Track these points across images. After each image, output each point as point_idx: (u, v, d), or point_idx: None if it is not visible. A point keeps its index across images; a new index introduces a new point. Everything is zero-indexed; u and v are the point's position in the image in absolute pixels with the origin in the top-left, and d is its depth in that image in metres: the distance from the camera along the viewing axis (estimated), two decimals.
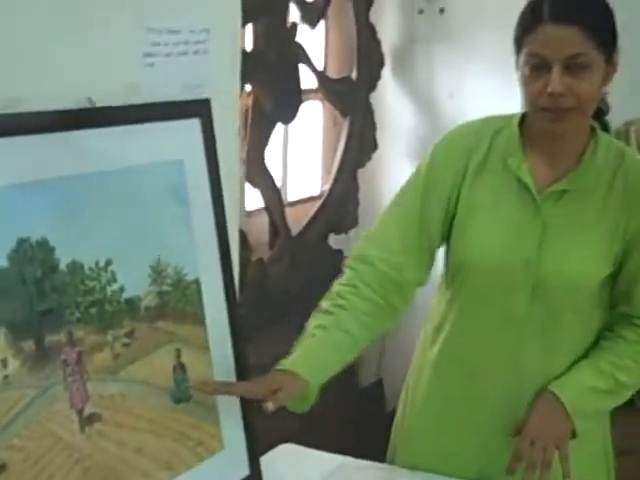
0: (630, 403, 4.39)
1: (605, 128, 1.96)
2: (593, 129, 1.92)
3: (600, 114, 1.95)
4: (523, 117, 1.93)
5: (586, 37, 1.75)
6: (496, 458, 1.95)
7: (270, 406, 1.74)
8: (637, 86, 4.73)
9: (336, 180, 3.47)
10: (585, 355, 1.96)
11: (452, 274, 1.99)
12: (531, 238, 1.89)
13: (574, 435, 1.91)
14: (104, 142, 1.71)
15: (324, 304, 1.93)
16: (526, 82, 1.81)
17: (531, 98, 1.81)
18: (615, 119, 4.81)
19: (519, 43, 1.82)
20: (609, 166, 1.90)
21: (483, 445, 1.99)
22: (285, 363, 1.83)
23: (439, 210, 1.94)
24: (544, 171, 1.90)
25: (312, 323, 1.91)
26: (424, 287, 2.01)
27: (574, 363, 1.95)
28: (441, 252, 2.02)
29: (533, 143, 1.91)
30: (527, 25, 1.79)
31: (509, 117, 1.96)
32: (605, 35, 1.80)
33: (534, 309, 1.90)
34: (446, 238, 1.98)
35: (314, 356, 1.85)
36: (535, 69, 1.78)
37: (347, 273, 1.96)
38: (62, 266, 1.59)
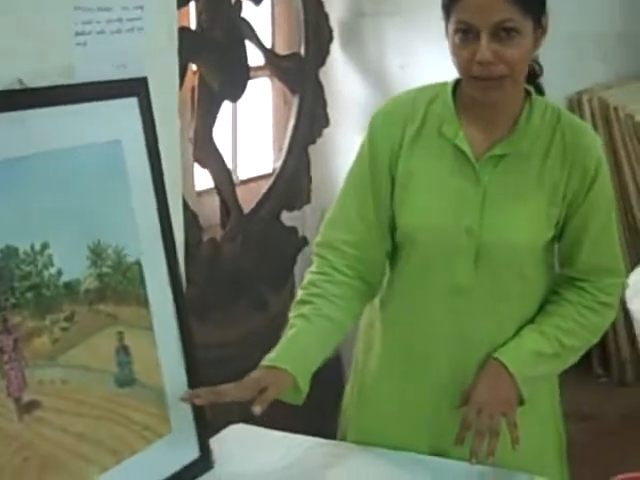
0: (588, 369, 4.41)
1: (540, 91, 1.95)
2: (528, 92, 1.91)
3: (534, 77, 1.94)
4: (457, 84, 1.91)
5: (512, 2, 1.74)
6: (448, 430, 1.94)
7: (257, 409, 1.75)
8: (586, 55, 4.76)
9: (287, 157, 3.44)
10: (532, 319, 1.96)
11: (395, 245, 1.98)
12: (471, 206, 1.88)
13: (522, 402, 1.90)
14: (38, 123, 1.67)
15: (300, 295, 1.95)
16: (455, 50, 1.80)
17: (461, 67, 1.81)
18: (567, 88, 4.84)
19: (447, 11, 1.81)
20: (545, 129, 1.90)
21: (435, 418, 1.98)
22: (270, 358, 1.84)
23: (386, 180, 1.93)
24: (480, 137, 1.89)
25: (291, 314, 1.93)
26: None
27: (521, 328, 1.95)
28: None
29: (468, 110, 1.90)
30: None
31: (443, 84, 1.94)
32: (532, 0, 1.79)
33: (479, 277, 1.90)
34: None
35: (298, 348, 1.86)
36: (464, 37, 1.77)
37: (316, 261, 1.98)
38: None
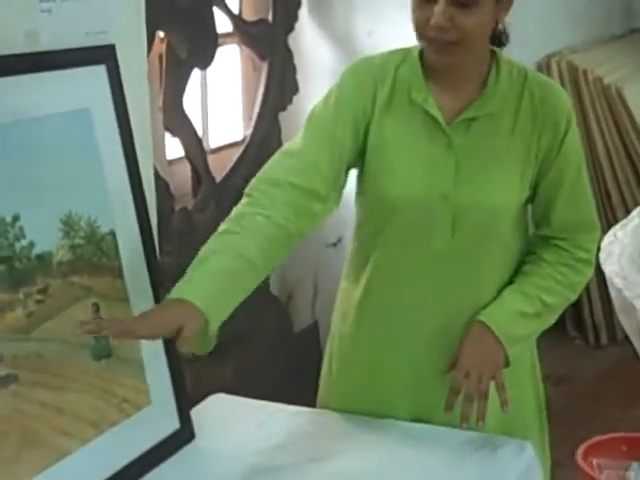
0: (563, 331, 4.45)
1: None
2: (493, 53, 1.90)
3: (499, 44, 1.92)
4: (423, 49, 1.90)
5: None
6: (430, 395, 1.94)
7: (184, 349, 1.62)
8: (555, 19, 4.74)
9: (258, 124, 3.41)
10: (510, 282, 1.96)
11: (369, 211, 1.96)
12: (445, 172, 1.87)
13: (507, 364, 1.90)
14: (5, 93, 1.64)
15: (223, 226, 1.78)
16: (413, 10, 1.80)
17: (417, 27, 1.80)
18: (536, 52, 4.84)
19: None
20: (513, 89, 1.89)
21: (416, 383, 1.98)
22: (181, 291, 1.65)
23: (351, 133, 1.88)
24: (450, 101, 1.88)
25: (208, 245, 1.75)
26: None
27: (500, 291, 1.94)
28: (353, 194, 1.98)
29: (435, 74, 1.88)
30: None
31: (407, 49, 1.93)
32: None
33: (456, 241, 1.89)
34: (359, 177, 1.95)
35: (212, 289, 1.66)
36: None
37: (253, 195, 1.82)
38: None
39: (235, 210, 1.81)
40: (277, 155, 1.90)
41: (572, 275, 1.96)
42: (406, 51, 1.92)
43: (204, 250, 1.74)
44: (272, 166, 1.87)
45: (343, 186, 1.92)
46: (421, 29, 1.79)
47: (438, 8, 1.74)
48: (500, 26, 1.88)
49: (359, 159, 1.92)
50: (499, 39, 1.91)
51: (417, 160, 1.88)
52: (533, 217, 1.98)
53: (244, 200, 1.83)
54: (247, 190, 1.84)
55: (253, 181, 1.86)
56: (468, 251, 1.90)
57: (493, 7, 1.79)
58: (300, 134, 1.90)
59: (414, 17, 1.79)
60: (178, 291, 1.65)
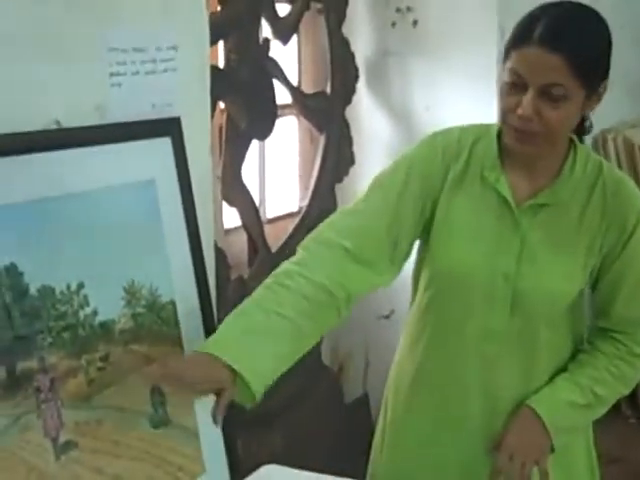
0: (617, 410, 4.36)
1: (580, 141, 1.93)
2: (572, 141, 1.89)
3: (582, 132, 1.90)
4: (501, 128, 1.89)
5: (570, 69, 1.69)
6: (477, 474, 1.93)
7: (219, 419, 1.65)
8: (611, 93, 4.75)
9: (314, 196, 3.44)
10: (561, 370, 1.94)
11: (428, 285, 1.95)
12: (510, 253, 1.87)
13: (552, 450, 1.89)
14: (74, 164, 1.69)
15: (267, 280, 1.77)
16: (502, 95, 1.78)
17: (503, 112, 1.79)
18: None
19: (506, 54, 1.77)
20: (587, 180, 1.88)
21: (464, 461, 1.97)
22: (224, 351, 1.63)
23: (415, 205, 1.87)
24: (522, 184, 1.88)
25: (249, 300, 1.74)
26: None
27: (550, 378, 1.93)
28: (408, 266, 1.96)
29: (510, 156, 1.87)
30: (517, 39, 1.74)
31: (487, 126, 1.92)
32: (592, 69, 1.73)
33: (513, 323, 1.88)
34: (421, 249, 1.95)
35: (258, 355, 1.65)
36: (513, 85, 1.74)
37: (302, 253, 1.81)
38: (32, 291, 1.57)
39: (281, 266, 1.80)
40: (336, 214, 1.90)
41: (627, 369, 1.94)
42: (486, 128, 1.92)
43: (244, 304, 1.74)
44: (328, 225, 1.87)
45: (403, 258, 1.90)
46: (506, 115, 1.77)
47: (527, 100, 1.72)
48: (586, 120, 1.87)
49: (423, 231, 1.91)
50: (582, 129, 1.89)
51: (482, 237, 1.88)
52: (593, 307, 1.96)
53: (294, 257, 1.82)
54: (299, 246, 1.84)
55: (307, 238, 1.85)
56: (523, 334, 1.89)
57: (582, 103, 1.76)
58: (363, 195, 1.89)
59: (502, 102, 1.77)
60: (221, 351, 1.64)
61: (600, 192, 1.88)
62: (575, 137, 1.89)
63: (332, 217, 1.89)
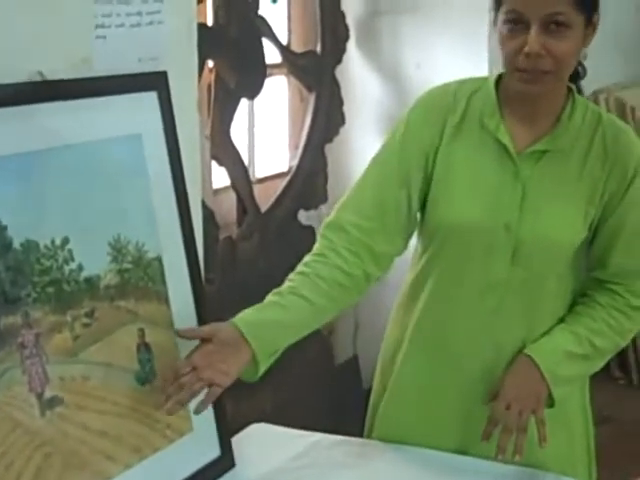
0: (606, 371, 4.38)
1: (579, 92, 1.92)
2: (570, 90, 1.89)
3: (576, 77, 1.90)
4: (499, 78, 1.89)
5: None
6: (477, 427, 1.91)
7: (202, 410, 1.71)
8: (604, 54, 4.71)
9: (304, 156, 3.42)
10: (562, 320, 1.93)
11: (429, 239, 1.93)
12: (511, 201, 1.85)
13: (552, 404, 1.88)
14: (58, 116, 1.66)
15: (290, 275, 1.86)
16: (503, 41, 1.77)
17: (508, 58, 1.77)
18: (584, 87, 4.79)
19: (497, 0, 1.77)
20: (586, 129, 1.87)
21: (464, 415, 1.96)
22: (242, 323, 1.74)
23: (418, 170, 1.88)
24: (522, 132, 1.86)
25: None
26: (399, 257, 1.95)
27: (552, 328, 1.92)
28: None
29: (510, 104, 1.87)
30: None
31: (484, 79, 1.92)
32: None
33: (514, 273, 1.87)
34: (423, 202, 1.93)
35: (262, 321, 1.77)
36: (513, 27, 1.74)
37: (319, 242, 1.89)
38: (16, 245, 1.54)
39: (305, 258, 1.88)
40: (346, 193, 1.93)
41: (624, 321, 1.93)
42: (482, 80, 1.92)
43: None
44: (338, 208, 1.91)
45: (410, 226, 1.92)
46: (512, 59, 1.76)
47: (532, 35, 1.71)
48: (581, 56, 1.86)
49: (427, 188, 1.90)
50: (576, 70, 1.88)
51: (483, 187, 1.87)
52: (589, 259, 1.95)
53: (315, 246, 1.89)
54: (318, 235, 1.91)
55: (322, 224, 1.92)
56: (524, 284, 1.88)
57: (583, 31, 1.77)
58: (365, 172, 1.92)
59: (505, 47, 1.76)
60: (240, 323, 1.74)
61: (600, 141, 1.87)
62: (573, 87, 1.89)
63: (344, 197, 1.92)
